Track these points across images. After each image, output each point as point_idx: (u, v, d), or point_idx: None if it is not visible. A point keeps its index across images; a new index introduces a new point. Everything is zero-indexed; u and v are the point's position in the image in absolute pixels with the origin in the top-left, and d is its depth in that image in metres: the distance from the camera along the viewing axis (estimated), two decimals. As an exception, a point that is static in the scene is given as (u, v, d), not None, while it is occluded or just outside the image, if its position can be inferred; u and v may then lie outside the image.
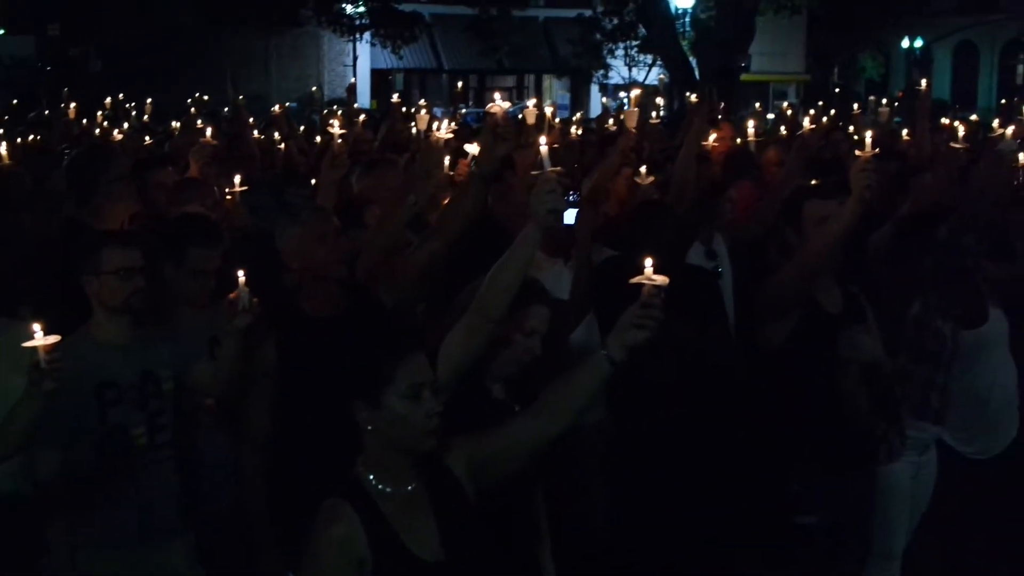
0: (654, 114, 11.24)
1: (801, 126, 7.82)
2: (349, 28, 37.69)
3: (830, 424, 5.16)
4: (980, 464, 5.85)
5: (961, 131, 7.20)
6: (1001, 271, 6.10)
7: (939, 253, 5.52)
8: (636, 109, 7.44)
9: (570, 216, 4.75)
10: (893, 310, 5.55)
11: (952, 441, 5.80)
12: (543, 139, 3.85)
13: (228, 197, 6.41)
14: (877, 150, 5.05)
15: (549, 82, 49.63)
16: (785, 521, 5.29)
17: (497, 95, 4.62)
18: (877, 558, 5.59)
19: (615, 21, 36.81)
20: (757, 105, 16.24)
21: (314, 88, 22.45)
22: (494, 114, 4.60)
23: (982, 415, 5.82)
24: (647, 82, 36.51)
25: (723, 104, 11.85)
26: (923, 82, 9.04)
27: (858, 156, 4.93)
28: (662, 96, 17.32)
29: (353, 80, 31.56)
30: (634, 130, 7.23)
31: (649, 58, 37.87)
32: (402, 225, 5.29)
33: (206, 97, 16.02)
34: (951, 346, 5.58)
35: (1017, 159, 7.45)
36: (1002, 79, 55.72)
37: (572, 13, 39.79)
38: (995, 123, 7.68)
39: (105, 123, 12.18)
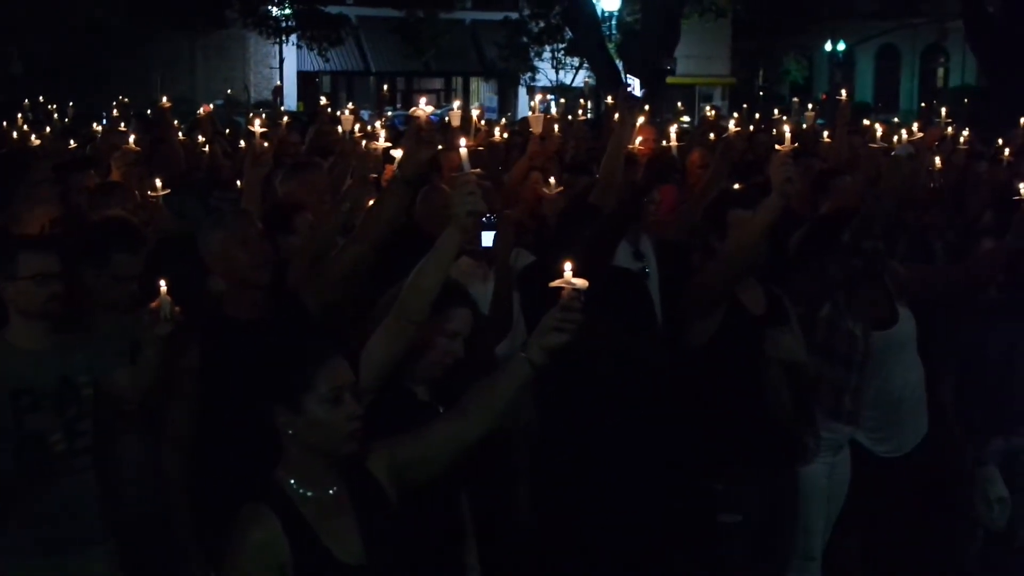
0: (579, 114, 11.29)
1: (725, 129, 7.88)
2: (275, 30, 37.50)
3: (754, 423, 5.21)
4: (892, 462, 5.95)
5: (879, 133, 7.30)
6: (912, 273, 6.18)
7: (844, 256, 5.60)
8: (540, 115, 7.48)
9: (488, 238, 4.75)
10: (804, 312, 5.62)
11: (865, 441, 5.88)
12: (463, 142, 3.87)
13: (150, 200, 6.35)
14: (796, 144, 5.10)
15: (477, 85, 49.69)
16: (709, 520, 5.33)
17: (422, 99, 4.62)
18: (797, 558, 5.66)
19: (541, 24, 37.00)
20: (680, 106, 16.35)
21: (230, 91, 22.23)
22: (417, 118, 4.60)
23: (894, 415, 5.90)
24: (574, 84, 36.73)
25: (648, 106, 11.88)
26: (843, 92, 9.15)
27: (777, 150, 4.98)
28: (588, 98, 17.41)
29: (279, 83, 31.41)
30: (539, 135, 7.27)
31: (576, 61, 38.06)
32: (334, 231, 5.28)
33: (127, 100, 15.83)
34: (862, 348, 5.66)
35: (933, 162, 7.59)
36: (923, 82, 56.53)
37: (499, 16, 39.91)
38: (915, 126, 7.78)
39: (25, 126, 12.00)
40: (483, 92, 48.78)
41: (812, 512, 5.63)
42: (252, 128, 6.10)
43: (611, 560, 5.27)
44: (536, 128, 7.54)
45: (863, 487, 5.82)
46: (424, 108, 4.57)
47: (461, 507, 4.29)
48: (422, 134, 4.54)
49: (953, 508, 6.27)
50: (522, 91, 44.04)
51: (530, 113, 7.84)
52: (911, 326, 5.96)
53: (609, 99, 12.53)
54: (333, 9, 37.62)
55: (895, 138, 7.00)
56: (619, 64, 29.41)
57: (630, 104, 7.05)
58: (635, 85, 19.32)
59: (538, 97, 8.19)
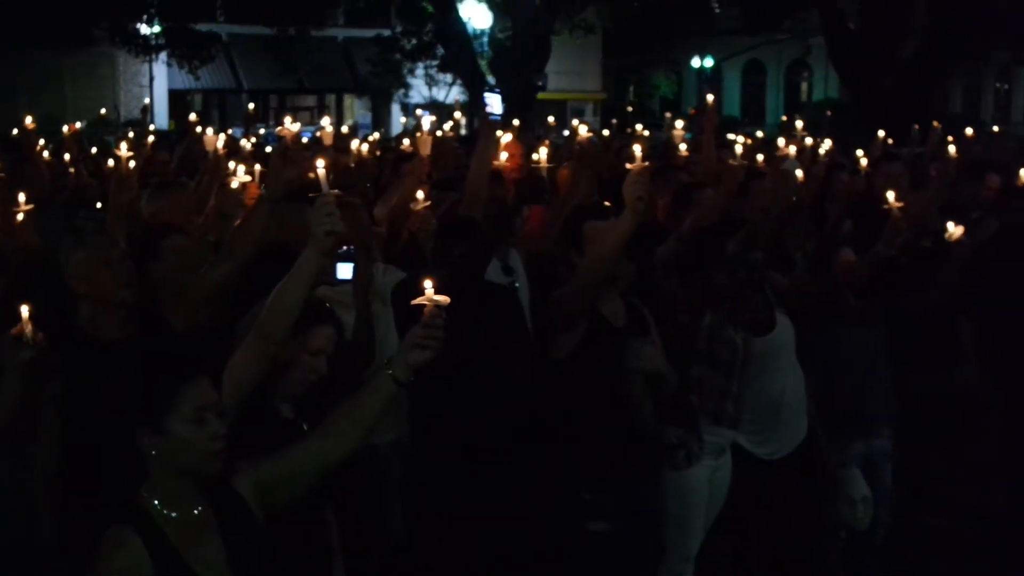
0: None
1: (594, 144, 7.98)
2: (144, 48, 36.91)
3: (618, 432, 5.30)
4: (772, 464, 6.08)
5: (739, 148, 7.44)
6: (786, 281, 6.35)
7: (728, 267, 5.73)
8: (429, 136, 7.50)
9: (346, 271, 4.74)
10: (685, 322, 5.73)
11: (746, 444, 6.01)
12: (320, 162, 3.89)
13: (15, 218, 6.24)
14: (647, 163, 5.20)
15: (350, 101, 49.48)
16: (578, 529, 5.40)
17: (287, 119, 4.63)
18: (673, 560, 5.76)
19: (414, 41, 36.92)
20: (551, 121, 16.48)
21: (103, 110, 21.84)
22: (283, 137, 4.62)
23: (774, 418, 6.05)
24: (447, 101, 36.78)
25: (518, 122, 11.96)
26: (709, 97, 9.29)
27: (630, 169, 5.08)
28: (461, 115, 17.45)
29: (147, 101, 30.94)
30: (427, 156, 7.30)
31: (449, 77, 38.12)
32: (197, 253, 5.26)
33: None
34: (743, 354, 5.80)
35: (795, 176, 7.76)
36: (788, 96, 57.74)
37: (371, 33, 39.72)
38: (780, 140, 7.95)
39: None
40: (356, 109, 48.62)
41: (693, 514, 5.74)
42: (117, 152, 6.04)
43: (481, 573, 5.32)
44: (424, 150, 7.54)
45: (743, 489, 5.95)
46: (290, 127, 4.59)
47: (329, 524, 4.30)
48: (287, 153, 4.56)
49: (817, 509, 6.42)
50: (395, 108, 43.98)
51: (418, 134, 7.84)
52: (789, 333, 6.11)
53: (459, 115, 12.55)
54: (204, 27, 37.13)
55: (791, 148, 7.15)
56: (491, 80, 29.52)
57: (489, 124, 7.13)
58: (494, 104, 19.45)
59: (426, 118, 8.15)
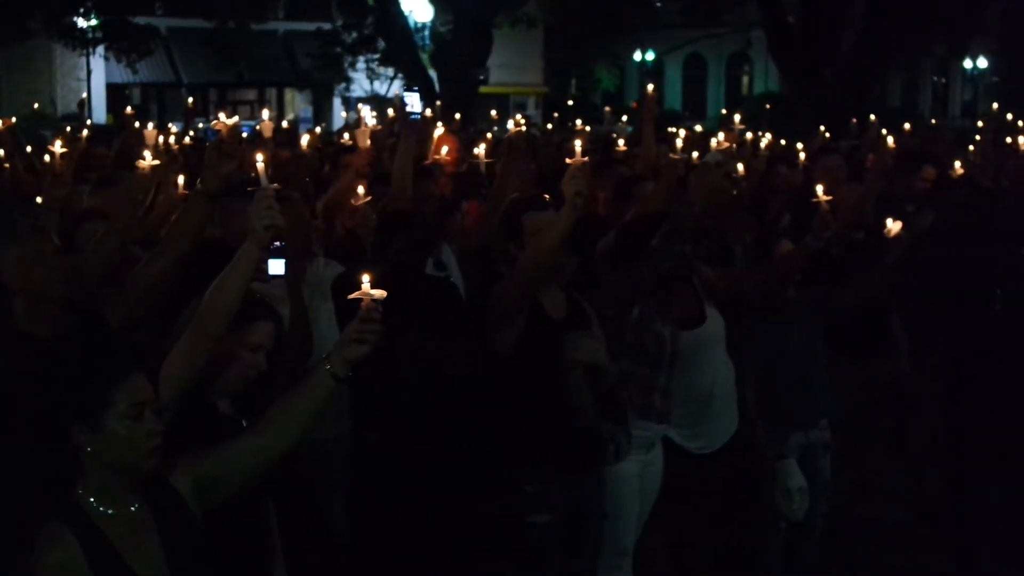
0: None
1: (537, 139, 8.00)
2: (81, 42, 36.50)
3: (558, 425, 5.31)
4: (704, 458, 6.11)
5: (680, 141, 7.48)
6: (714, 273, 6.38)
7: (655, 260, 5.75)
8: (368, 127, 7.48)
9: (278, 267, 4.71)
10: (615, 315, 5.75)
11: (677, 438, 6.04)
12: (259, 156, 3.87)
13: None
14: (587, 158, 5.22)
15: (291, 95, 49.21)
16: (519, 521, 5.41)
17: (221, 113, 4.60)
18: (609, 555, 5.77)
19: (355, 34, 36.80)
20: (493, 114, 16.49)
21: (36, 105, 21.61)
22: (219, 131, 4.59)
23: (704, 412, 6.08)
24: (388, 95, 36.67)
25: (458, 116, 11.96)
26: (649, 87, 9.31)
27: (568, 164, 5.09)
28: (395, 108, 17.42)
29: (84, 95, 30.62)
30: (366, 148, 7.28)
31: (391, 71, 38.00)
32: (109, 250, 5.17)
33: None
34: (671, 348, 5.82)
35: (735, 168, 7.81)
36: (729, 90, 58.10)
37: (312, 26, 39.56)
38: (721, 135, 8.00)
39: None
40: (298, 103, 48.38)
41: (625, 509, 5.76)
42: (52, 148, 5.99)
43: (424, 566, 5.32)
44: (362, 142, 7.53)
45: (676, 483, 5.97)
46: (226, 120, 4.56)
47: (269, 520, 4.28)
48: (223, 147, 4.53)
49: (755, 502, 6.47)
50: (337, 102, 43.80)
51: (361, 127, 7.82)
52: (719, 325, 6.14)
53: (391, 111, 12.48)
54: (142, 20, 36.77)
55: (714, 142, 7.19)
56: (433, 74, 29.48)
57: (408, 123, 7.14)
58: (413, 103, 19.35)
59: (366, 110, 8.14)
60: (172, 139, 7.71)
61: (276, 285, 5.22)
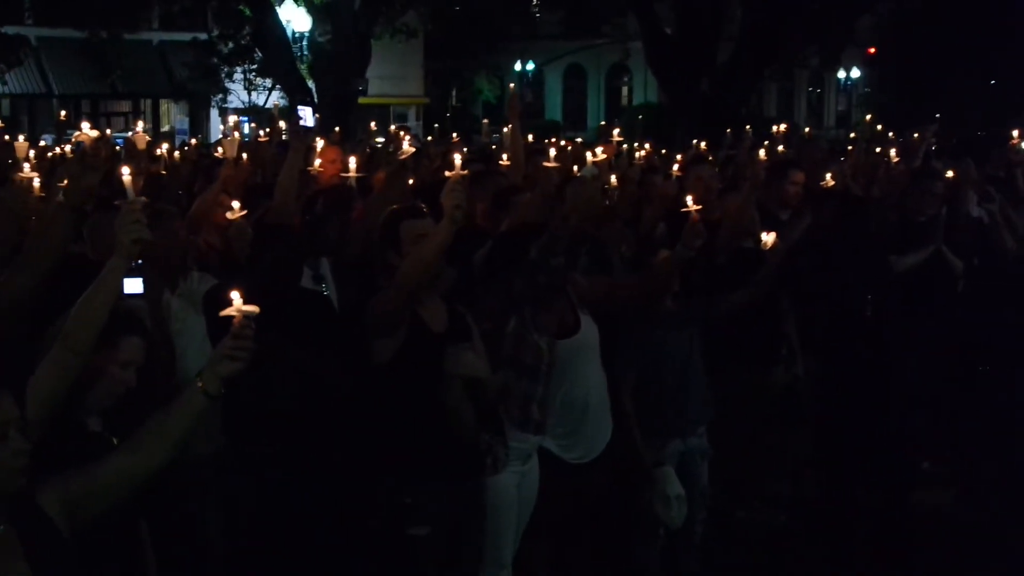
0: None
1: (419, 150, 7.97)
2: (-52, 52, 35.68)
3: (437, 437, 5.29)
4: (581, 468, 6.13)
5: (553, 152, 7.52)
6: (594, 284, 6.41)
7: (530, 272, 5.77)
8: (235, 137, 7.42)
9: (135, 285, 4.59)
10: (492, 327, 5.75)
11: (554, 448, 6.05)
12: (125, 168, 3.81)
13: None
14: (465, 171, 5.22)
15: (167, 106, 48.52)
16: (398, 533, 5.38)
17: (85, 124, 4.51)
18: (489, 566, 5.76)
19: (231, 45, 36.39)
20: (373, 125, 16.45)
21: None
22: (82, 142, 4.50)
23: (581, 421, 6.09)
24: (267, 106, 36.33)
25: (338, 128, 11.90)
26: (511, 85, 9.32)
27: (447, 176, 5.10)
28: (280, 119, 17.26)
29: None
30: (232, 158, 7.22)
31: (269, 82, 37.67)
32: None
33: None
34: (548, 358, 5.84)
35: (609, 180, 7.87)
36: (609, 100, 58.58)
37: (187, 36, 39.03)
38: (599, 149, 8.04)
39: None
40: (174, 114, 47.70)
41: (503, 520, 5.75)
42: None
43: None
44: (229, 152, 7.47)
45: (553, 493, 5.98)
46: (88, 132, 4.48)
47: (142, 538, 4.20)
48: (86, 159, 4.44)
49: (634, 510, 6.51)
50: (214, 113, 43.29)
51: (223, 137, 7.77)
52: (593, 333, 6.17)
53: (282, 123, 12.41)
54: (11, 29, 36.00)
55: (589, 155, 7.22)
56: (311, 85, 29.31)
57: (297, 135, 7.10)
58: (307, 115, 19.25)
59: (231, 119, 8.05)
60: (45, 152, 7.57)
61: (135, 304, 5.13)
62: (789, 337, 7.82)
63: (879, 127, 13.21)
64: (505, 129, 9.59)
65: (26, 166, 6.08)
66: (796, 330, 7.85)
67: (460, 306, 5.64)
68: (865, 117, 15.30)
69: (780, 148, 8.20)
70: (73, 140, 4.59)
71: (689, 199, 6.30)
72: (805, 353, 7.86)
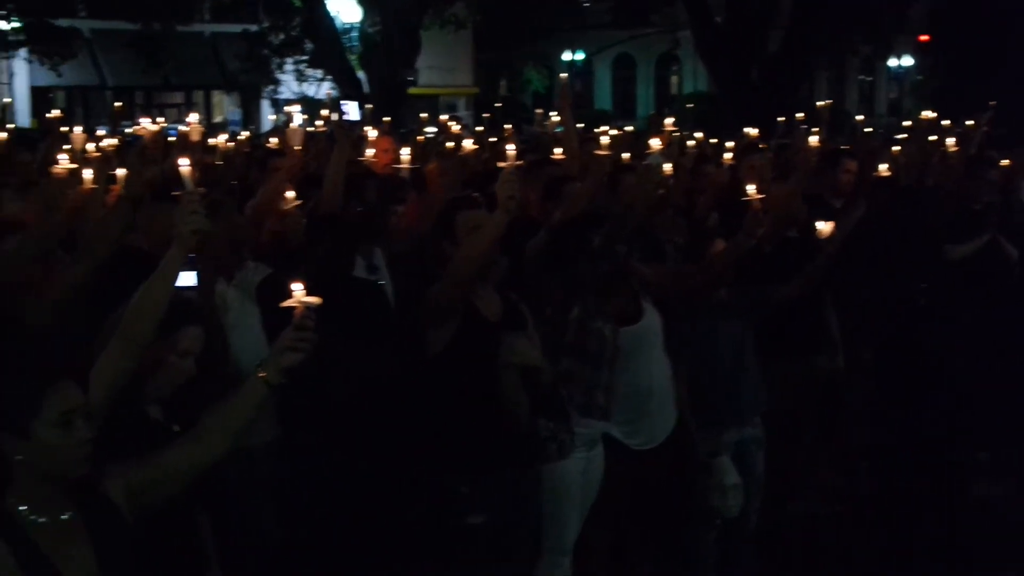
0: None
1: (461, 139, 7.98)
2: (3, 45, 36.01)
3: (493, 426, 5.31)
4: (644, 454, 6.14)
5: (606, 140, 7.50)
6: (650, 270, 6.42)
7: (594, 260, 5.78)
8: (299, 127, 7.43)
9: (188, 278, 4.64)
10: (554, 314, 5.77)
11: (618, 434, 6.05)
12: (183, 160, 3.84)
13: None
14: (520, 162, 5.23)
15: (219, 98, 48.81)
16: (456, 522, 5.41)
17: (143, 119, 4.56)
18: (550, 553, 5.79)
19: (282, 36, 36.53)
20: (423, 116, 16.46)
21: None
22: (142, 136, 4.55)
23: (644, 408, 6.10)
24: (317, 96, 36.45)
25: (387, 118, 11.93)
26: (562, 75, 9.31)
27: (502, 167, 5.11)
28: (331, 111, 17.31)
29: (7, 99, 30.20)
30: (298, 149, 7.24)
31: (319, 73, 37.80)
32: (26, 258, 5.11)
33: None
34: (612, 345, 5.85)
35: (664, 168, 7.84)
36: (658, 90, 58.38)
37: (238, 28, 39.21)
38: (656, 140, 8.01)
39: None
40: (226, 105, 47.98)
41: (567, 506, 5.78)
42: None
43: (359, 570, 5.30)
44: (294, 142, 7.46)
45: (616, 479, 6.00)
46: (149, 126, 4.52)
47: (202, 527, 4.25)
48: (146, 152, 4.49)
49: (690, 498, 6.51)
50: (265, 104, 43.51)
51: (282, 126, 7.80)
52: (656, 321, 6.17)
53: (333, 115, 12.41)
54: (65, 22, 36.32)
55: (654, 143, 7.20)
56: (362, 76, 29.38)
57: (341, 129, 7.13)
58: (351, 110, 19.27)
59: (292, 110, 8.04)
60: (103, 143, 7.59)
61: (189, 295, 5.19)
62: (829, 328, 7.76)
63: (933, 114, 13.02)
64: (553, 116, 9.55)
65: (63, 159, 6.10)
66: (836, 321, 7.79)
67: (513, 295, 5.66)
68: (920, 110, 15.12)
69: (815, 130, 8.12)
70: (132, 132, 4.61)
71: (750, 188, 6.26)
72: (853, 343, 7.81)
